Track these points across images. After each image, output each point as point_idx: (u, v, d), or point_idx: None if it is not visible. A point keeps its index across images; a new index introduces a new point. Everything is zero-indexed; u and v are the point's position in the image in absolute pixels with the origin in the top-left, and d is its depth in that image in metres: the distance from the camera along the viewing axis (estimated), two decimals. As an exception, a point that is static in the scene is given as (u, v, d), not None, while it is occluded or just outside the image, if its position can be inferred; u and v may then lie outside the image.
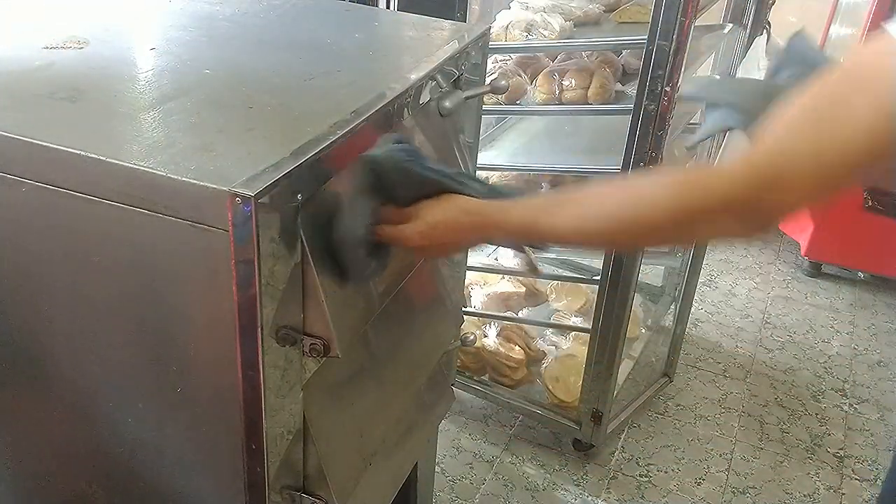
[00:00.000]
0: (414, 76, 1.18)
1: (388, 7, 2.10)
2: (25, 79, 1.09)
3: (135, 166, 0.88)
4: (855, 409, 2.81)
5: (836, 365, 3.02)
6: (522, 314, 2.74)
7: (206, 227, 0.88)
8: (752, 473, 2.51)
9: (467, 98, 1.31)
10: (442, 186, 1.05)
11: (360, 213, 1.02)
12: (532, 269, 1.20)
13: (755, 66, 2.18)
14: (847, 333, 3.21)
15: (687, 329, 2.89)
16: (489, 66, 2.18)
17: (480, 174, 2.32)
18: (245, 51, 1.26)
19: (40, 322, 1.10)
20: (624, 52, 2.31)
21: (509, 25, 2.17)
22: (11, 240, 1.04)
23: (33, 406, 1.20)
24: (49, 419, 1.20)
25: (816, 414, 2.78)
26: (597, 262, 2.63)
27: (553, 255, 3.37)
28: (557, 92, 2.16)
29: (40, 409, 1.19)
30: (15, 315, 1.11)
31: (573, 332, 2.65)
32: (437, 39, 1.38)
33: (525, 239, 1.08)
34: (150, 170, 0.88)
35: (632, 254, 2.11)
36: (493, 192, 1.07)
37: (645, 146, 1.95)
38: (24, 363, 1.15)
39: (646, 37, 1.84)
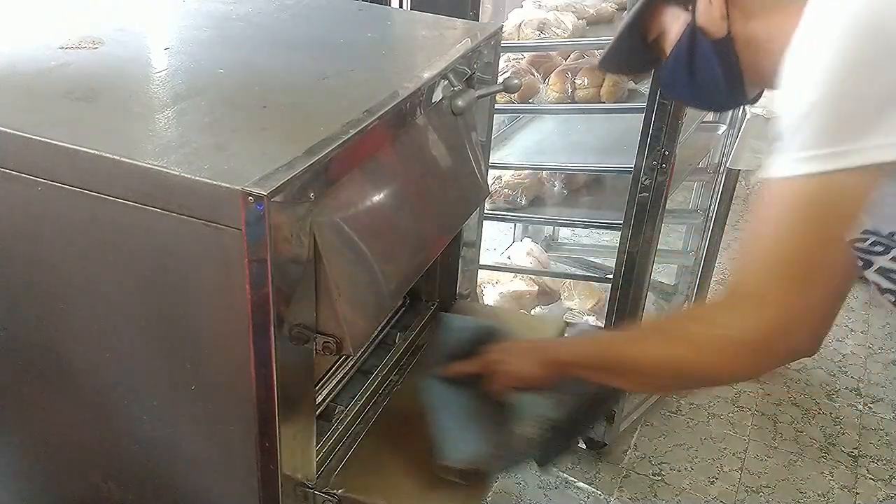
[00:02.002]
0: (426, 75, 1.18)
1: (400, 6, 2.11)
2: (41, 79, 1.10)
3: (149, 165, 0.89)
4: (869, 408, 2.80)
5: (851, 364, 3.01)
6: (535, 313, 2.74)
7: (219, 225, 0.88)
8: (765, 472, 2.50)
9: (480, 97, 1.31)
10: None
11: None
12: None
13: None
14: (861, 332, 3.19)
15: (700, 328, 2.88)
16: (502, 64, 2.18)
17: (493, 172, 2.32)
18: (259, 50, 1.26)
19: (56, 320, 1.11)
20: (637, 50, 2.30)
21: (522, 24, 2.17)
22: (27, 239, 1.05)
23: (49, 403, 1.20)
24: (64, 416, 1.21)
25: (830, 413, 2.76)
26: (610, 261, 2.63)
27: (566, 255, 3.37)
28: (570, 90, 2.16)
29: (55, 406, 1.20)
30: (31, 314, 1.12)
31: (586, 331, 2.65)
32: (450, 38, 1.38)
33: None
34: (165, 169, 0.88)
35: (645, 252, 2.11)
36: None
37: (658, 145, 1.94)
38: (40, 361, 1.16)
39: (659, 35, 1.83)
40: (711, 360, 0.98)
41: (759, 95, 1.18)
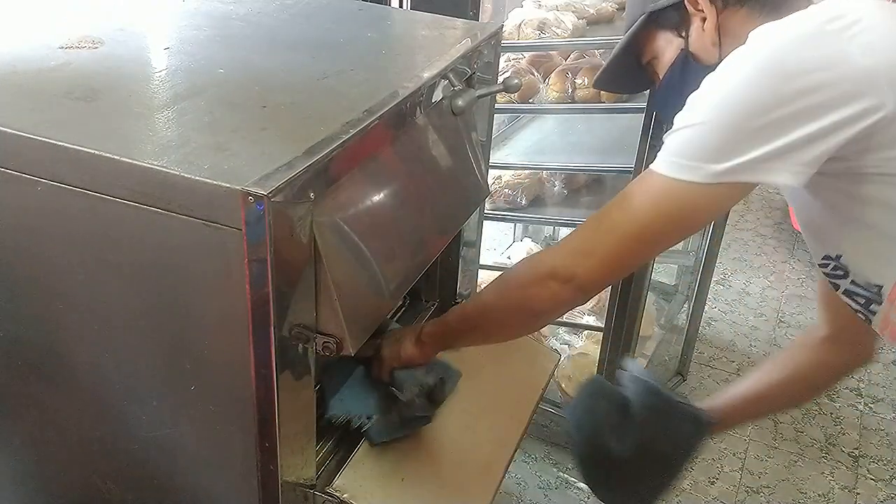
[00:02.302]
0: (427, 75, 1.18)
1: (400, 6, 2.10)
2: (41, 78, 1.10)
3: (149, 165, 0.89)
4: (870, 408, 2.79)
5: (851, 364, 3.00)
6: (535, 313, 2.73)
7: (219, 225, 0.88)
8: (766, 473, 2.50)
9: (480, 97, 1.31)
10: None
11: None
12: None
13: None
14: (862, 332, 3.18)
15: (700, 328, 2.88)
16: (502, 64, 2.18)
17: (493, 172, 2.32)
18: (258, 50, 1.26)
19: (56, 320, 1.11)
20: (637, 50, 2.30)
21: (522, 24, 2.17)
22: (27, 239, 1.05)
23: (48, 403, 1.20)
24: (64, 416, 1.21)
25: (831, 413, 2.76)
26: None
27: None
28: (570, 90, 2.16)
29: (55, 407, 1.20)
30: (31, 314, 1.12)
31: (586, 331, 2.65)
32: (450, 38, 1.38)
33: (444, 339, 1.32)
34: (164, 169, 0.88)
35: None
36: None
37: (658, 145, 1.94)
38: (40, 361, 1.16)
39: (659, 35, 1.83)
40: (542, 294, 1.12)
41: None
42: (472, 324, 1.26)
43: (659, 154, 1.03)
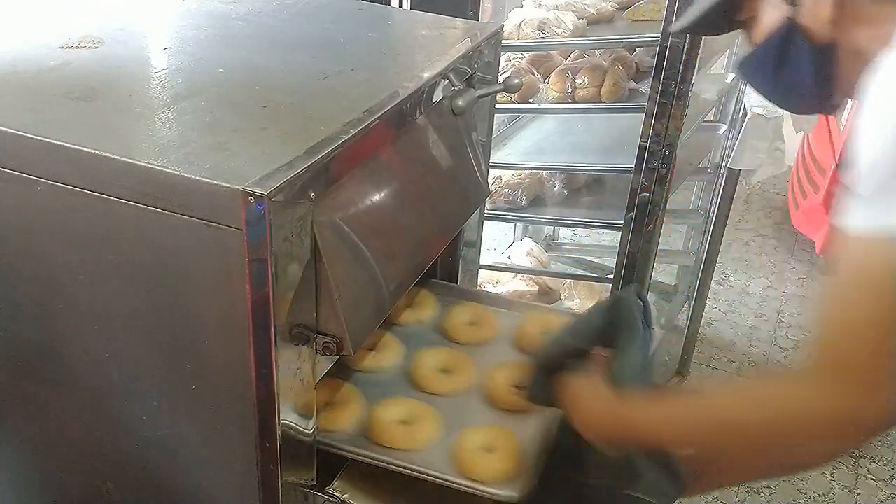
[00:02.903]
0: (427, 75, 1.18)
1: (400, 6, 2.10)
2: (41, 78, 1.10)
3: (149, 165, 0.89)
4: (870, 408, 2.79)
5: (851, 364, 3.00)
6: (535, 313, 2.73)
7: (219, 225, 0.88)
8: (766, 473, 2.50)
9: (480, 96, 1.31)
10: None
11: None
12: None
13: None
14: (862, 332, 3.18)
15: (701, 328, 2.88)
16: (502, 64, 2.18)
17: (494, 172, 2.32)
18: (259, 50, 1.26)
19: (55, 320, 1.11)
20: (637, 49, 2.31)
21: (522, 23, 2.17)
22: (27, 239, 1.05)
23: (48, 403, 1.20)
24: (64, 416, 1.20)
25: (831, 413, 2.75)
26: (610, 261, 2.63)
27: (566, 255, 3.37)
28: (570, 90, 2.16)
29: (55, 407, 1.20)
30: (31, 313, 1.12)
31: (586, 331, 2.64)
32: (450, 38, 1.38)
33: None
34: (165, 169, 0.88)
35: (645, 252, 2.11)
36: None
37: (658, 145, 1.94)
38: (40, 361, 1.16)
39: (659, 34, 1.83)
40: (825, 450, 0.94)
41: (844, 104, 1.08)
42: (717, 448, 1.05)
43: (853, 215, 0.83)
